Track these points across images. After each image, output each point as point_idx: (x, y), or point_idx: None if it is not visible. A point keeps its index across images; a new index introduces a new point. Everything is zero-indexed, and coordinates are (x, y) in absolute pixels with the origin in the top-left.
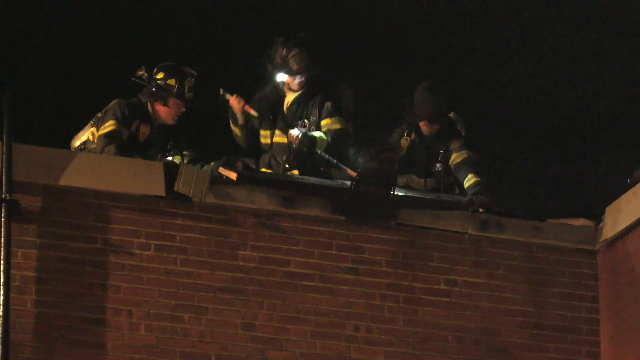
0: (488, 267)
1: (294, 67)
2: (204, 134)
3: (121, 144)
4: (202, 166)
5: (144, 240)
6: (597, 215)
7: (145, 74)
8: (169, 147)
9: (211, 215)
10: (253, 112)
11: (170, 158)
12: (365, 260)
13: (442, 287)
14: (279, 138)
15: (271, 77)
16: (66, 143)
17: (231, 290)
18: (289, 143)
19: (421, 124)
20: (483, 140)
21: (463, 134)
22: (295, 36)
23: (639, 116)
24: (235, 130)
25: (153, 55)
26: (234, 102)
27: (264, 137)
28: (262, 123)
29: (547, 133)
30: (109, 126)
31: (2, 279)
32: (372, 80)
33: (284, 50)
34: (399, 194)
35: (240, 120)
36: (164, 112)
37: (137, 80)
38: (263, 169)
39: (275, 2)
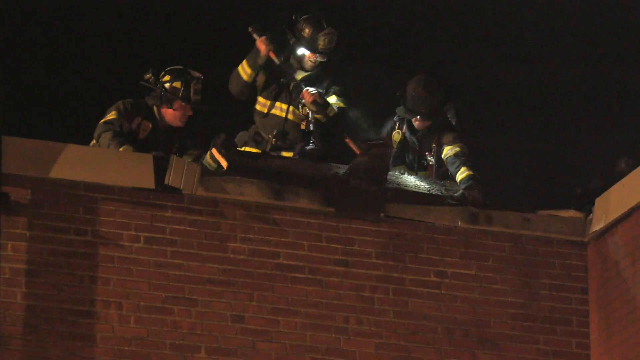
0: (478, 259)
1: (322, 45)
2: (209, 134)
3: (118, 132)
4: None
5: (134, 233)
6: (586, 207)
7: (152, 77)
8: (174, 149)
9: (201, 208)
10: (276, 60)
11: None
12: (355, 252)
13: (432, 278)
14: (277, 111)
15: (289, 49)
16: (56, 135)
17: (221, 282)
18: (286, 119)
19: (413, 119)
20: (471, 131)
21: (454, 123)
22: (323, 14)
23: (630, 106)
24: (245, 72)
25: (147, 54)
26: (261, 43)
27: (261, 104)
28: (263, 91)
29: (536, 123)
30: (109, 115)
31: None
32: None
33: (314, 27)
34: (390, 180)
35: (261, 61)
36: (170, 114)
37: (144, 83)
38: (246, 148)
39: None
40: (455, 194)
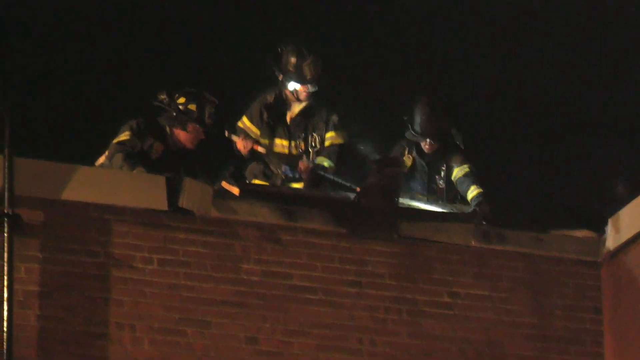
0: (491, 279)
1: (309, 75)
2: (219, 159)
3: (130, 153)
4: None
5: (147, 254)
6: (599, 227)
7: (166, 98)
8: (182, 172)
9: (214, 229)
10: (261, 149)
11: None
12: (368, 273)
13: (445, 299)
14: (279, 149)
15: (280, 85)
16: (68, 157)
17: (234, 304)
18: (290, 154)
19: (422, 142)
20: (484, 151)
21: (462, 147)
22: (302, 43)
23: None
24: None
25: (159, 76)
26: (241, 144)
27: (262, 146)
28: (261, 133)
29: (549, 144)
30: (123, 136)
31: (5, 294)
32: (370, 89)
33: (297, 57)
34: (402, 204)
35: (247, 156)
36: (183, 136)
37: (158, 104)
38: (256, 181)
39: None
40: (467, 211)
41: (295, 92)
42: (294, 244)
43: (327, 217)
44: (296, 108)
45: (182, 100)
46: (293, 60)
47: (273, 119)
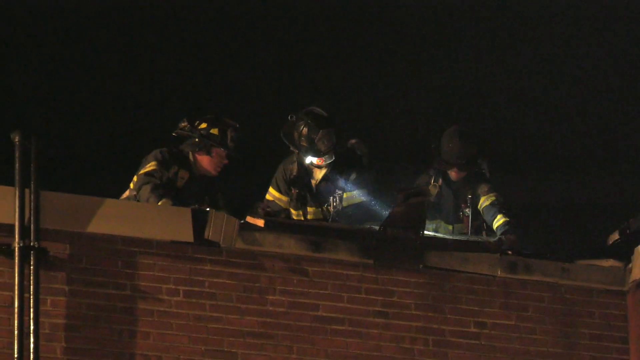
0: (517, 309)
1: (323, 148)
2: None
3: (158, 184)
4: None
5: (173, 286)
6: (626, 256)
7: (188, 125)
8: (205, 200)
9: (239, 261)
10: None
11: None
12: (395, 303)
13: (472, 329)
14: (311, 216)
15: (298, 157)
16: (93, 190)
17: (261, 335)
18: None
19: (449, 171)
20: (510, 181)
21: (488, 176)
22: (312, 114)
23: None
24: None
25: (181, 107)
26: (255, 223)
27: (296, 216)
28: (291, 204)
29: (575, 174)
30: (149, 166)
31: (31, 327)
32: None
33: (308, 132)
34: (428, 234)
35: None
36: (207, 161)
37: (180, 132)
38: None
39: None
40: (493, 240)
41: (313, 164)
42: (319, 275)
43: (353, 248)
44: (318, 174)
45: (203, 125)
46: (305, 137)
47: (300, 190)
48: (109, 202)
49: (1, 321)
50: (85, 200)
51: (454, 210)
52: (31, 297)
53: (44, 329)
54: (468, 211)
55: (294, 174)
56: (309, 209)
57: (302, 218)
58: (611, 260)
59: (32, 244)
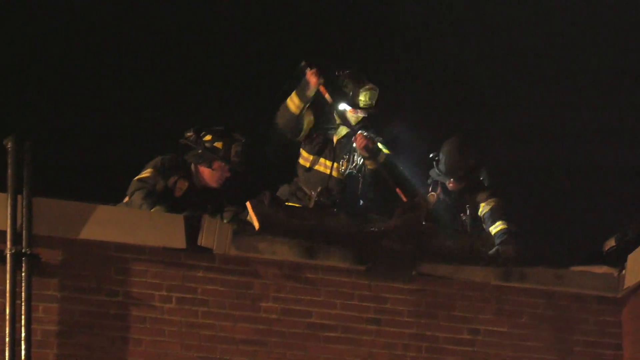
0: (511, 316)
1: (363, 101)
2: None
3: (152, 191)
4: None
5: (165, 293)
6: (619, 263)
7: (193, 135)
8: (208, 210)
9: (232, 267)
10: (327, 97)
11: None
12: (388, 310)
13: (465, 336)
14: (321, 167)
15: (330, 107)
16: (86, 196)
17: (253, 342)
18: (330, 175)
19: (446, 181)
20: (505, 189)
21: (486, 184)
22: (358, 70)
23: None
24: (294, 103)
25: (183, 115)
26: (312, 76)
27: (305, 159)
28: (307, 144)
29: (569, 180)
30: (145, 173)
31: (23, 334)
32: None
33: (354, 82)
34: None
35: (310, 92)
36: (208, 174)
37: (184, 141)
38: (288, 203)
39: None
40: (489, 251)
41: (343, 115)
42: (312, 281)
43: (347, 255)
44: (343, 131)
45: (208, 137)
46: (350, 85)
47: (321, 139)
48: (102, 208)
49: None
50: (77, 206)
51: (452, 219)
52: (23, 303)
53: (36, 336)
54: (467, 220)
55: (319, 123)
56: (322, 160)
57: (308, 164)
58: (605, 267)
59: (24, 250)
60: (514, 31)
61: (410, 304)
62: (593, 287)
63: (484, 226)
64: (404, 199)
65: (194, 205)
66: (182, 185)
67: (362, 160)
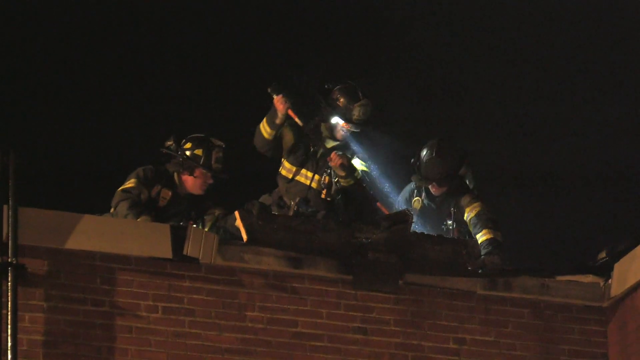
0: (497, 325)
1: (356, 116)
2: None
3: (137, 201)
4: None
5: (151, 303)
6: (605, 272)
7: (174, 144)
8: (192, 215)
9: (218, 277)
10: (297, 120)
11: (195, 226)
12: (374, 319)
13: (451, 345)
14: (302, 178)
15: (319, 119)
16: (72, 206)
17: (240, 351)
18: (310, 187)
19: (429, 185)
20: (488, 196)
21: (471, 187)
22: (359, 85)
23: None
24: (265, 130)
25: (167, 123)
26: (279, 102)
27: (287, 170)
28: (290, 155)
29: (554, 189)
30: (128, 183)
31: (9, 343)
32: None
33: (348, 96)
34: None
35: (279, 120)
36: (191, 182)
37: (165, 150)
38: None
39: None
40: (476, 260)
41: (333, 129)
42: (299, 291)
43: (333, 264)
44: (329, 145)
45: (188, 145)
46: (343, 99)
47: (304, 149)
48: (88, 218)
49: None
50: (63, 216)
51: (437, 224)
52: (9, 313)
53: (22, 345)
54: (452, 224)
55: (307, 133)
56: (303, 171)
57: (291, 175)
58: (591, 276)
59: (10, 260)
60: (505, 32)
61: (397, 313)
62: (579, 297)
63: (472, 231)
64: (386, 212)
65: (179, 213)
66: (166, 195)
67: (336, 179)
